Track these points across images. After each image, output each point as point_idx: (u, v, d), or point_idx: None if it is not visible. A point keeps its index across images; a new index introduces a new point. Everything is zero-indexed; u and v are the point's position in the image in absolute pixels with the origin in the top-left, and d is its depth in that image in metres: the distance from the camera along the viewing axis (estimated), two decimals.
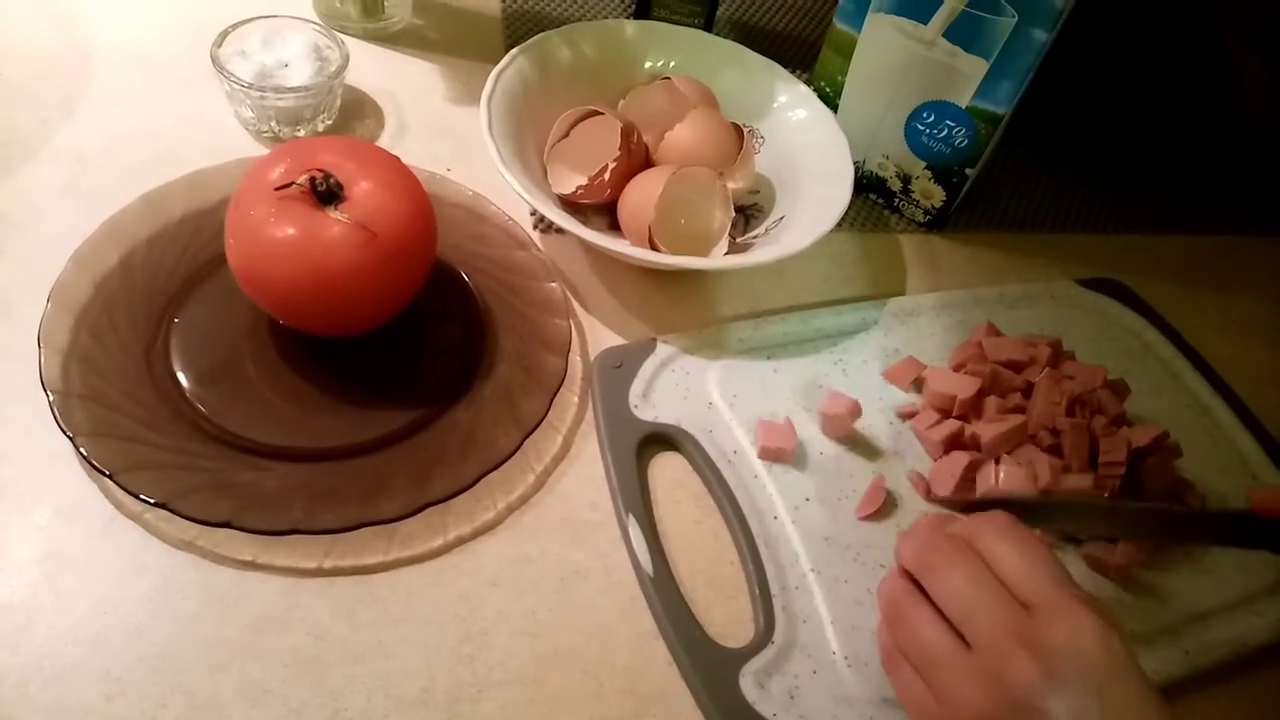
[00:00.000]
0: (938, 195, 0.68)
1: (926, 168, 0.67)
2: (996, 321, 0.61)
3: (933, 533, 0.43)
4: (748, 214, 0.64)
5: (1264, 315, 0.73)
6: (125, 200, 0.51)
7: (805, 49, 0.81)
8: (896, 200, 0.70)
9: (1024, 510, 0.45)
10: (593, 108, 0.60)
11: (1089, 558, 0.51)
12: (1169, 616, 0.50)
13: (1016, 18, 0.57)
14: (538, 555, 0.46)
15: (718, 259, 0.57)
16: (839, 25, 0.66)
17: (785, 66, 0.68)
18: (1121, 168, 0.81)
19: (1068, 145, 0.80)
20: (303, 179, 0.44)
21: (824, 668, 0.44)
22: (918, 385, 0.57)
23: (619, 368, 0.53)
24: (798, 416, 0.53)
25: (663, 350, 0.55)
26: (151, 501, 0.41)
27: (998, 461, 0.52)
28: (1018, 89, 0.60)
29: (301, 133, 0.61)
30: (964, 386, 0.54)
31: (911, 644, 0.41)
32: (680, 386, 0.53)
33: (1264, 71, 0.79)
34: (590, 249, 0.59)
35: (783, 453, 0.51)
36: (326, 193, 0.45)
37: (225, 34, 0.59)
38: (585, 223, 0.57)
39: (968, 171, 0.66)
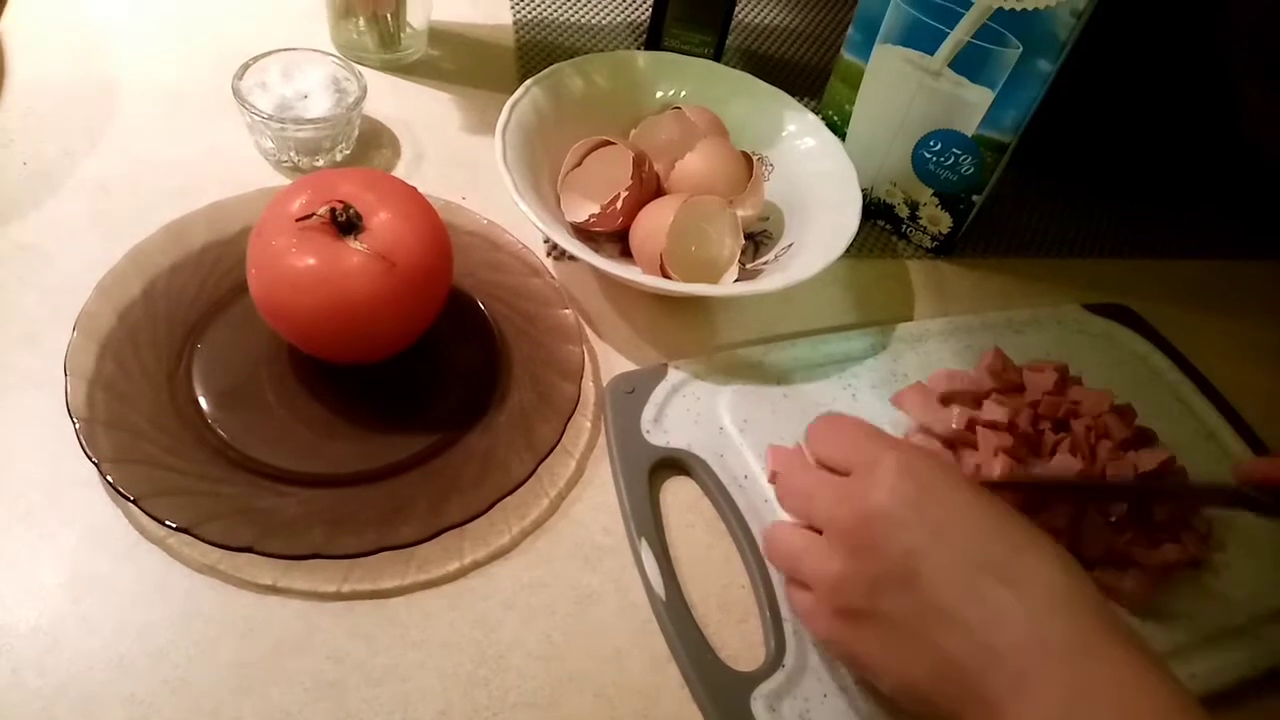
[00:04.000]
0: (945, 222, 0.69)
1: (934, 195, 0.68)
2: (1004, 346, 0.61)
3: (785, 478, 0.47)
4: (757, 241, 0.65)
5: (1271, 340, 0.74)
6: (148, 230, 0.52)
7: (813, 78, 0.83)
8: (904, 227, 0.71)
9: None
10: (605, 137, 0.61)
11: (1100, 585, 0.51)
12: (1176, 640, 0.50)
13: (1021, 49, 0.58)
14: (552, 579, 0.47)
15: (728, 286, 0.58)
16: (846, 56, 0.67)
17: (794, 96, 0.69)
18: (1128, 193, 0.82)
19: (1074, 171, 0.81)
20: (323, 210, 0.45)
21: (834, 692, 0.45)
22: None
23: (631, 393, 0.54)
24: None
25: (674, 376, 0.55)
26: (174, 526, 0.41)
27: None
28: (1023, 117, 0.61)
29: (320, 163, 0.62)
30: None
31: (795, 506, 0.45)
32: (691, 411, 0.54)
33: (1269, 96, 0.79)
34: (603, 276, 0.60)
35: None
36: (346, 223, 0.46)
37: (246, 66, 0.60)
38: (598, 250, 0.58)
39: (974, 198, 0.66)
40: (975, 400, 0.56)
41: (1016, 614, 0.37)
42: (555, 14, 0.83)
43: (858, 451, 0.44)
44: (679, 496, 0.51)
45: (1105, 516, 0.52)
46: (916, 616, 0.39)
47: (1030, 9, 0.56)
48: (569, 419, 0.50)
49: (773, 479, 0.49)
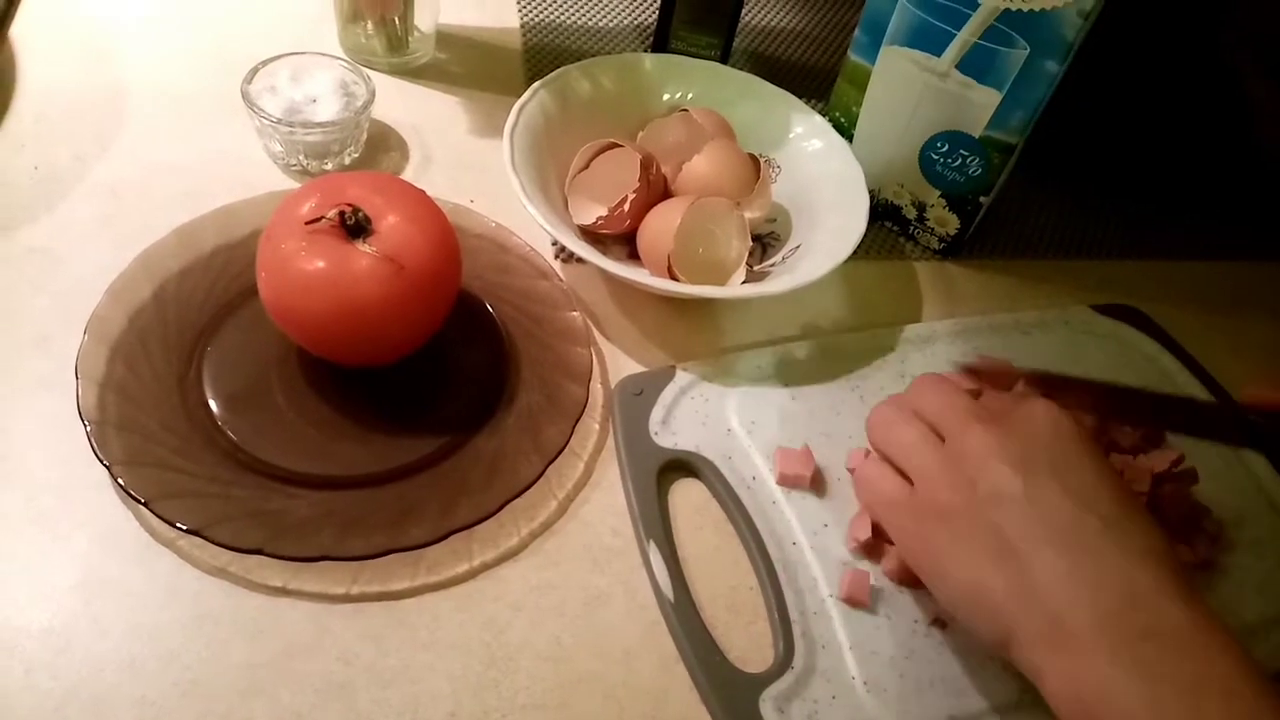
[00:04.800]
0: (952, 223, 0.69)
1: (941, 196, 0.68)
2: (1012, 348, 0.61)
3: (883, 409, 0.50)
4: (765, 243, 0.65)
5: (1279, 341, 0.73)
6: (158, 234, 0.53)
7: (820, 80, 0.83)
8: (912, 228, 0.71)
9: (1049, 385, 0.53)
10: (612, 140, 0.62)
11: None
12: None
13: (1028, 50, 0.58)
14: (560, 581, 0.47)
15: (735, 288, 0.58)
16: (853, 58, 0.67)
17: (800, 97, 0.69)
18: (1135, 194, 0.82)
19: (1082, 172, 0.81)
20: (332, 213, 0.46)
21: (843, 693, 0.45)
22: None
23: (639, 395, 0.54)
24: (816, 443, 0.54)
25: (682, 378, 0.55)
26: (185, 529, 0.42)
27: None
28: (1030, 118, 0.61)
29: (329, 166, 0.62)
30: None
31: (891, 443, 0.48)
32: (699, 413, 0.54)
33: (1276, 98, 0.79)
34: (610, 278, 0.60)
35: (801, 479, 0.52)
36: (355, 227, 0.46)
37: (255, 71, 0.60)
38: (605, 253, 0.58)
39: (982, 199, 0.66)
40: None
41: (1113, 560, 0.39)
42: (562, 17, 0.83)
43: (990, 399, 0.48)
44: (687, 498, 0.51)
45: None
46: (1013, 533, 0.41)
47: (1037, 10, 0.56)
48: (577, 421, 0.50)
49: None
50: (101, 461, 0.43)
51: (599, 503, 0.50)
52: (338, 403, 0.50)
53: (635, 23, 0.85)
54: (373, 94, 0.62)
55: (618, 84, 0.67)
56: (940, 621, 0.48)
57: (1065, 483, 0.41)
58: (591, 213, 0.60)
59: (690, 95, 0.69)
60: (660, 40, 0.77)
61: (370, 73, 0.64)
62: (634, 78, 0.68)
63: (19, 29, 0.67)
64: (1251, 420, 0.48)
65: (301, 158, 0.61)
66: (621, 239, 0.62)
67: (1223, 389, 0.65)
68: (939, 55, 0.62)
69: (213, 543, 0.42)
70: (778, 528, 0.50)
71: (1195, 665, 0.36)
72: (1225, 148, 0.82)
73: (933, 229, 0.70)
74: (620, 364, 0.57)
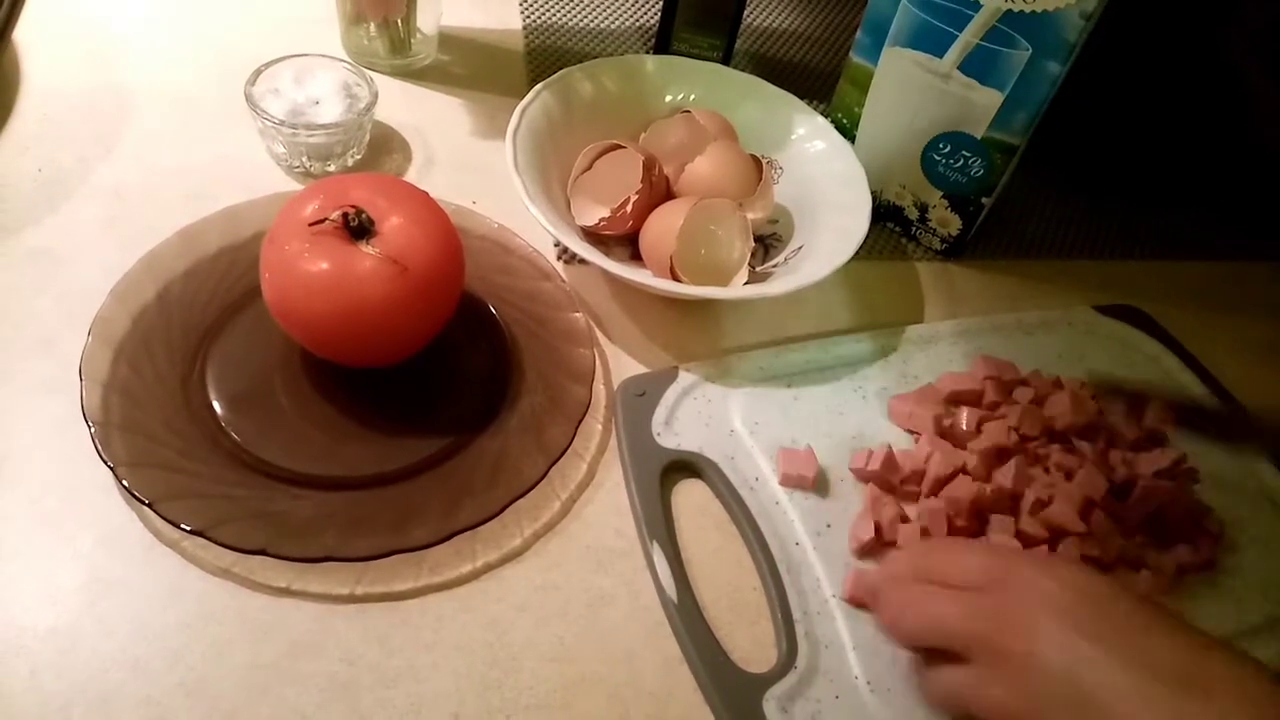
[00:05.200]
0: (954, 224, 0.69)
1: (943, 197, 0.68)
2: (1014, 348, 0.61)
3: (883, 586, 0.46)
4: (767, 244, 0.65)
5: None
6: (162, 235, 0.53)
7: (822, 81, 0.83)
8: (914, 229, 0.71)
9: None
10: (615, 141, 0.62)
11: None
12: None
13: (1030, 51, 0.58)
14: (564, 581, 0.47)
15: (738, 289, 0.58)
16: (855, 59, 0.67)
17: (803, 99, 0.69)
18: (1137, 194, 0.82)
19: (1084, 172, 0.81)
20: (335, 215, 0.46)
21: (846, 693, 0.45)
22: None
23: (642, 396, 0.54)
24: (818, 444, 0.54)
25: (684, 378, 0.55)
26: (189, 530, 0.42)
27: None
28: (1032, 119, 0.61)
29: (332, 168, 0.63)
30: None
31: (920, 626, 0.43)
32: (702, 414, 0.54)
33: (1278, 97, 0.79)
34: (613, 279, 0.60)
35: (804, 480, 0.52)
36: (358, 228, 0.46)
37: (258, 73, 0.61)
38: (608, 254, 0.58)
39: (984, 200, 0.66)
40: (978, 399, 0.56)
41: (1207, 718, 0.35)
42: (564, 19, 0.83)
43: (991, 564, 0.42)
44: (690, 499, 0.52)
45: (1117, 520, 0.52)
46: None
47: (1039, 11, 0.56)
48: (580, 422, 0.50)
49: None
50: (106, 463, 0.43)
51: (602, 503, 0.50)
52: (341, 403, 0.50)
53: (637, 24, 0.85)
54: (375, 96, 0.62)
55: (620, 85, 0.67)
56: None
57: (1117, 650, 0.37)
58: (594, 214, 0.60)
59: (692, 96, 0.69)
60: (662, 42, 0.77)
61: (373, 74, 0.64)
62: (636, 79, 0.68)
63: (23, 31, 0.67)
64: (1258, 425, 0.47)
65: (304, 159, 0.62)
66: (624, 240, 0.62)
67: (1224, 388, 0.65)
68: (941, 56, 0.62)
69: (217, 543, 0.42)
70: (781, 528, 0.50)
71: None
72: (1227, 148, 0.82)
73: (935, 230, 0.70)
74: (623, 365, 0.57)
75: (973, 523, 0.51)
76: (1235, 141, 0.82)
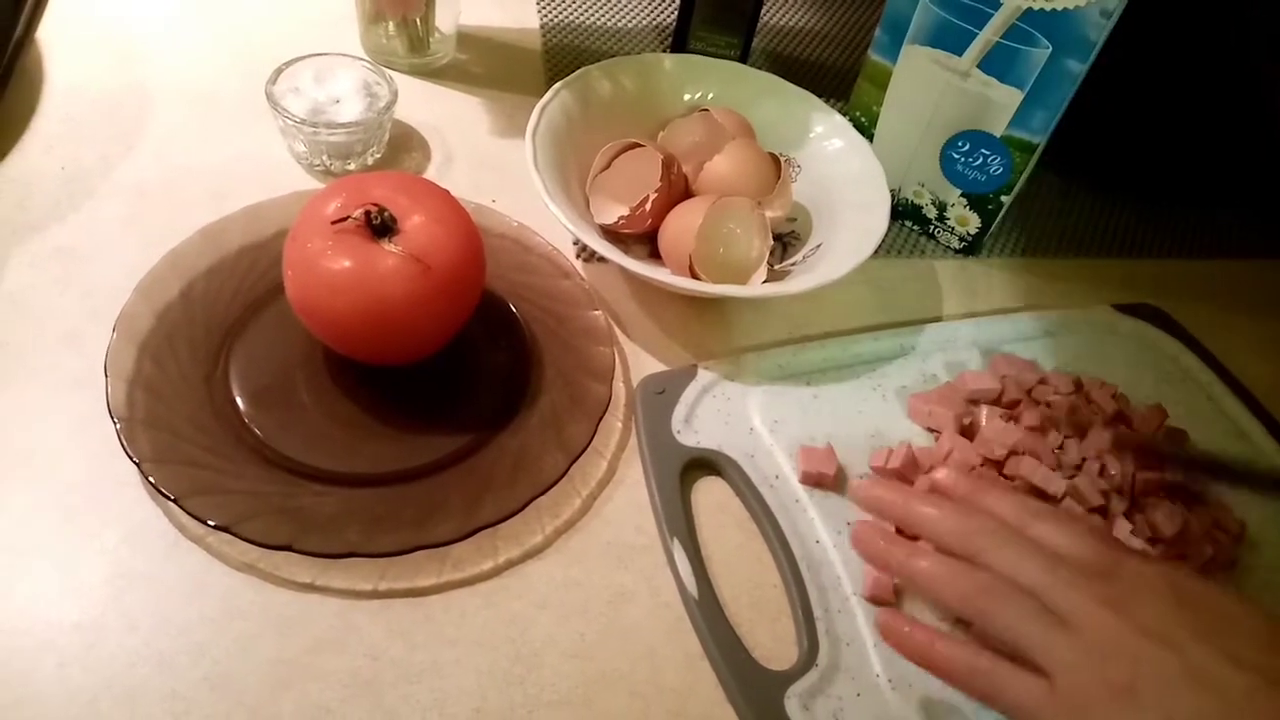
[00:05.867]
0: (973, 222, 0.68)
1: (962, 195, 0.68)
2: (1033, 347, 0.61)
3: (970, 514, 0.42)
4: (785, 242, 0.65)
5: None
6: (184, 233, 0.53)
7: (840, 79, 0.83)
8: (932, 227, 0.71)
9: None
10: (633, 140, 0.62)
11: None
12: None
13: (1050, 49, 0.58)
14: (585, 578, 0.47)
15: (757, 287, 0.58)
16: (874, 57, 0.67)
17: (821, 97, 0.69)
18: (1157, 193, 0.82)
19: (1104, 171, 0.81)
20: (358, 213, 0.46)
21: (868, 690, 0.45)
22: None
23: (661, 394, 0.54)
24: (838, 442, 0.54)
25: (704, 376, 0.56)
26: (214, 525, 0.42)
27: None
28: (1052, 118, 0.61)
29: (352, 166, 0.63)
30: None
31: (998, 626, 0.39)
32: (722, 412, 0.54)
33: None
34: (632, 278, 0.60)
35: (824, 478, 0.52)
36: (381, 226, 0.46)
37: (279, 72, 0.61)
38: (627, 252, 0.58)
39: (1003, 199, 0.66)
40: (997, 398, 0.56)
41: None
42: (581, 18, 0.84)
43: (1102, 549, 0.39)
44: (710, 496, 0.52)
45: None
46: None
47: (1060, 9, 0.56)
48: (600, 419, 0.51)
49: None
50: (131, 458, 0.43)
51: (622, 501, 0.51)
52: (363, 401, 0.51)
53: (654, 23, 0.85)
54: (395, 94, 0.63)
55: (638, 84, 0.68)
56: (963, 620, 0.48)
57: (1213, 641, 0.36)
58: (613, 212, 0.60)
59: (710, 95, 0.69)
60: (680, 40, 0.77)
61: (392, 73, 0.65)
62: (654, 78, 0.68)
63: (45, 31, 0.67)
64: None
65: (325, 158, 0.62)
66: (643, 238, 0.62)
67: (1245, 388, 0.65)
68: (960, 54, 0.62)
69: (241, 539, 0.42)
70: (801, 526, 0.50)
71: None
72: (1248, 146, 0.81)
73: (953, 228, 0.70)
74: (642, 363, 0.57)
75: None
76: (1255, 140, 0.81)
